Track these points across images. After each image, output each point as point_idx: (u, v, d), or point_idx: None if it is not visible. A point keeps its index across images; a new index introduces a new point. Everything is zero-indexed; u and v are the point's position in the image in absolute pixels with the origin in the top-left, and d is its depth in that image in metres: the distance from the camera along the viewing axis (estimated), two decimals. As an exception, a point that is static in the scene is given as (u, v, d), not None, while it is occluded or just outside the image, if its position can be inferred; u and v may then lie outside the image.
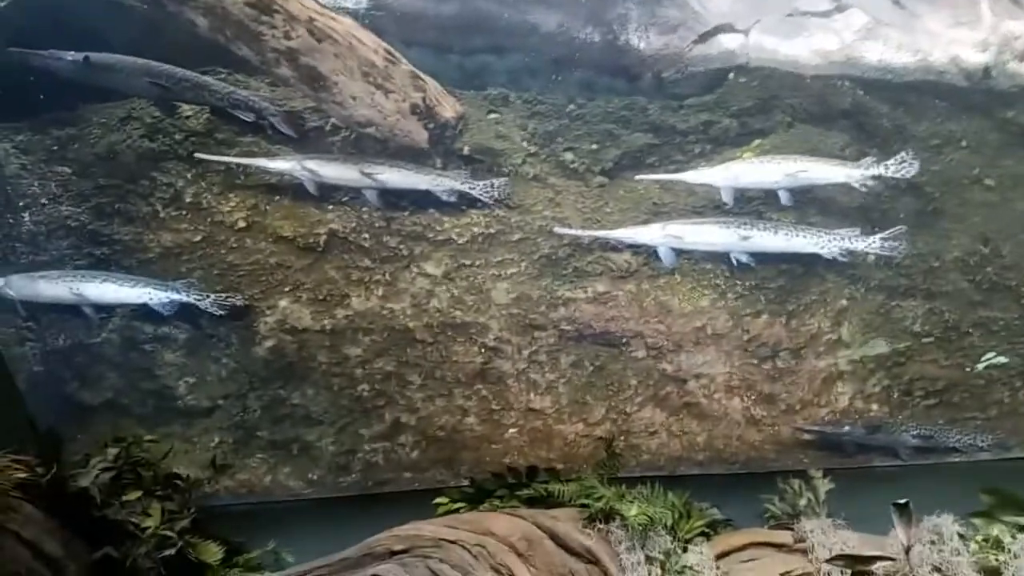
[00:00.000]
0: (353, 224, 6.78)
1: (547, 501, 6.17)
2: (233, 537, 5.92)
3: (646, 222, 6.82)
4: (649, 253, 6.84)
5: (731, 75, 7.44)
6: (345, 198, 6.78)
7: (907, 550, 4.82)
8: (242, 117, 6.51)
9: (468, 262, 6.83)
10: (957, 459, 7.10)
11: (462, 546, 5.46)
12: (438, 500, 6.22)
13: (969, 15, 8.08)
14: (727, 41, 7.70)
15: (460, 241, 6.82)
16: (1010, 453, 7.25)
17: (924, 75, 7.59)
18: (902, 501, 4.92)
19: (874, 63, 7.62)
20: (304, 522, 6.66)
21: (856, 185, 6.64)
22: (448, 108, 6.69)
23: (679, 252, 6.74)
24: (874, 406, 7.21)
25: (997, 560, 4.98)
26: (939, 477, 7.03)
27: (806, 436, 7.12)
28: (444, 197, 6.65)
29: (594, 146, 7.10)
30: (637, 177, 6.89)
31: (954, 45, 7.80)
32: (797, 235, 6.59)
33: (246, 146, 6.76)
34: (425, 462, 6.97)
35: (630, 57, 7.60)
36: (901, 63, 7.65)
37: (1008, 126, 7.41)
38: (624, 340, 6.99)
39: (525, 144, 7.08)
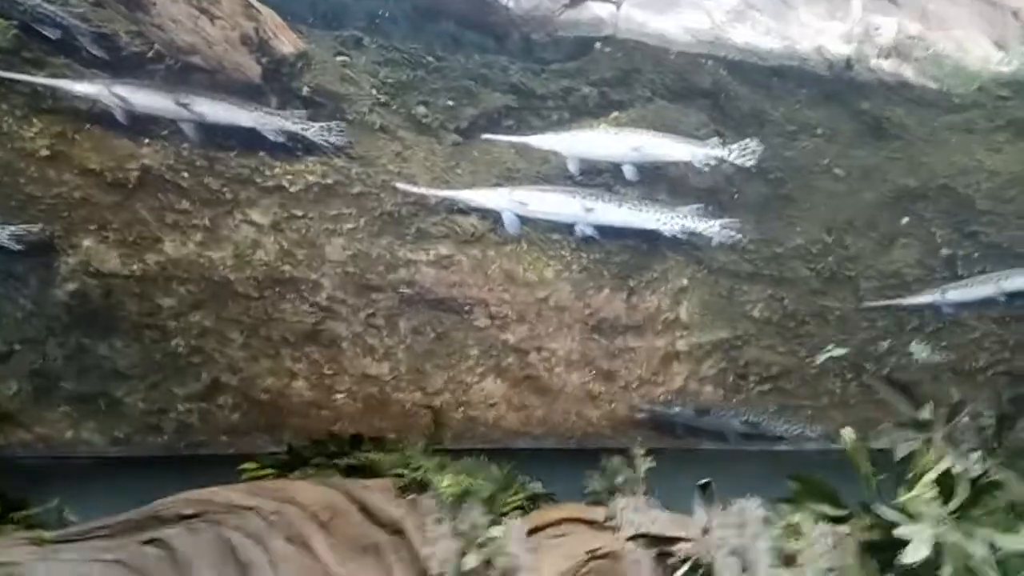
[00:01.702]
0: (171, 161, 6.06)
1: (368, 471, 5.80)
2: (19, 492, 5.28)
3: (496, 186, 6.44)
4: (496, 219, 6.45)
5: (598, 44, 7.12)
6: (164, 132, 6.05)
7: (704, 531, 4.70)
8: (47, 34, 5.70)
9: (300, 213, 6.24)
10: (784, 447, 7.14)
11: (258, 513, 5.01)
12: (245, 465, 5.73)
13: (842, 9, 8.06)
14: (598, 9, 7.36)
15: (292, 189, 6.22)
16: (836, 444, 7.35)
17: (788, 61, 7.48)
18: (704, 481, 4.80)
19: (740, 45, 7.45)
20: (105, 482, 6.03)
21: (698, 165, 6.48)
22: (287, 43, 6.07)
23: (524, 220, 6.41)
24: (708, 388, 7.15)
25: (795, 546, 4.92)
26: (766, 463, 7.05)
27: (640, 415, 7.01)
28: (272, 137, 6.02)
29: (450, 102, 6.63)
30: (484, 136, 6.48)
31: (821, 36, 7.76)
32: (640, 210, 6.37)
33: (57, 68, 5.92)
34: (245, 426, 6.42)
35: (499, 14, 7.15)
36: (767, 47, 7.52)
37: (863, 117, 7.38)
38: (467, 308, 6.61)
39: (375, 92, 6.53)
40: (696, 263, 6.98)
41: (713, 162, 6.47)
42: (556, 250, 6.60)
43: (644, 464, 5.95)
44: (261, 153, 6.17)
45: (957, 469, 4.34)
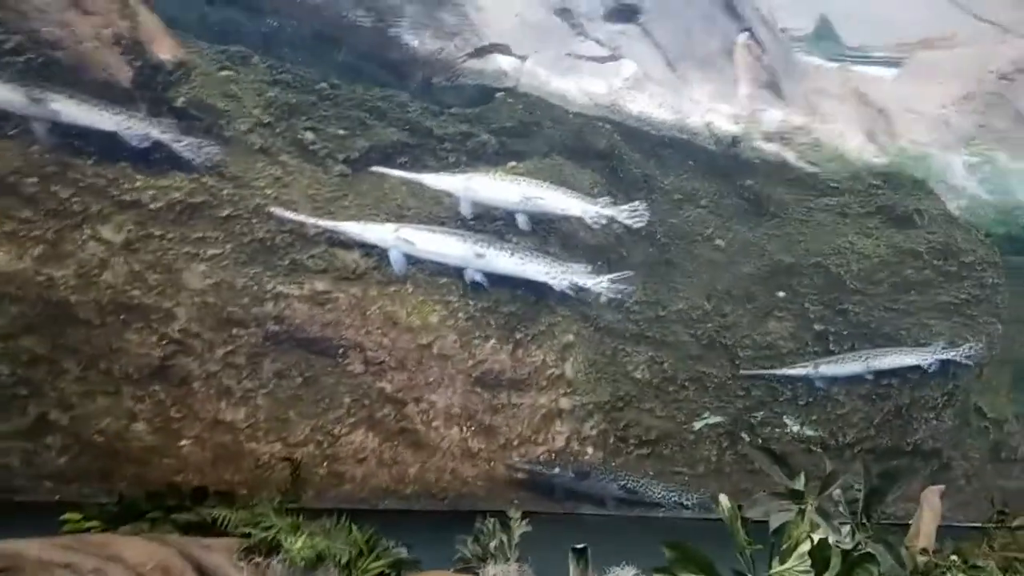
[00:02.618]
0: (17, 163, 5.27)
1: (211, 529, 5.03)
2: None
3: (383, 222, 6.03)
4: (381, 256, 6.00)
5: (500, 95, 7.01)
6: (12, 131, 5.30)
7: (580, 602, 4.31)
8: None
9: (158, 232, 5.54)
10: (662, 514, 6.92)
11: (74, 572, 4.21)
12: (67, 516, 4.85)
13: (731, 91, 8.38)
14: (502, 61, 7.29)
15: (152, 206, 5.53)
16: (714, 512, 7.20)
17: (679, 133, 7.64)
18: (580, 546, 4.45)
19: (635, 113, 7.56)
20: None
21: (589, 221, 6.38)
22: (165, 49, 5.50)
23: (412, 260, 6.02)
24: (589, 449, 6.87)
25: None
26: (645, 530, 6.78)
27: (519, 475, 6.60)
28: (136, 143, 5.35)
29: (342, 131, 6.22)
30: (375, 168, 6.09)
31: (711, 113, 8.01)
32: (531, 261, 6.14)
33: None
34: (74, 471, 5.48)
35: (401, 53, 6.90)
36: (660, 118, 7.67)
37: (745, 193, 7.59)
38: (341, 350, 6.05)
39: (258, 112, 6.03)
40: (583, 320, 6.77)
41: (604, 220, 6.38)
42: (443, 295, 6.20)
43: (519, 528, 5.54)
44: (122, 163, 5.48)
45: (832, 542, 4.21)
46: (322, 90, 6.24)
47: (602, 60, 7.83)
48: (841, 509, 4.62)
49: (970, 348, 7.42)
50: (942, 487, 5.12)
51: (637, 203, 6.53)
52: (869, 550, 4.25)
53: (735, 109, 8.00)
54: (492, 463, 6.61)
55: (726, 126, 7.84)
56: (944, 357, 7.34)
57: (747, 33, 8.54)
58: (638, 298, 7.05)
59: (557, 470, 6.48)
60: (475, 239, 5.97)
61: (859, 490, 4.76)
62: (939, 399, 7.65)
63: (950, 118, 9.62)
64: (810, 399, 7.30)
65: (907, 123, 9.27)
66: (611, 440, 6.97)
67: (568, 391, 6.75)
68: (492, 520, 5.47)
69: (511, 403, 6.55)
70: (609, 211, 6.39)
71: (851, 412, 7.41)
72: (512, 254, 6.07)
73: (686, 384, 7.18)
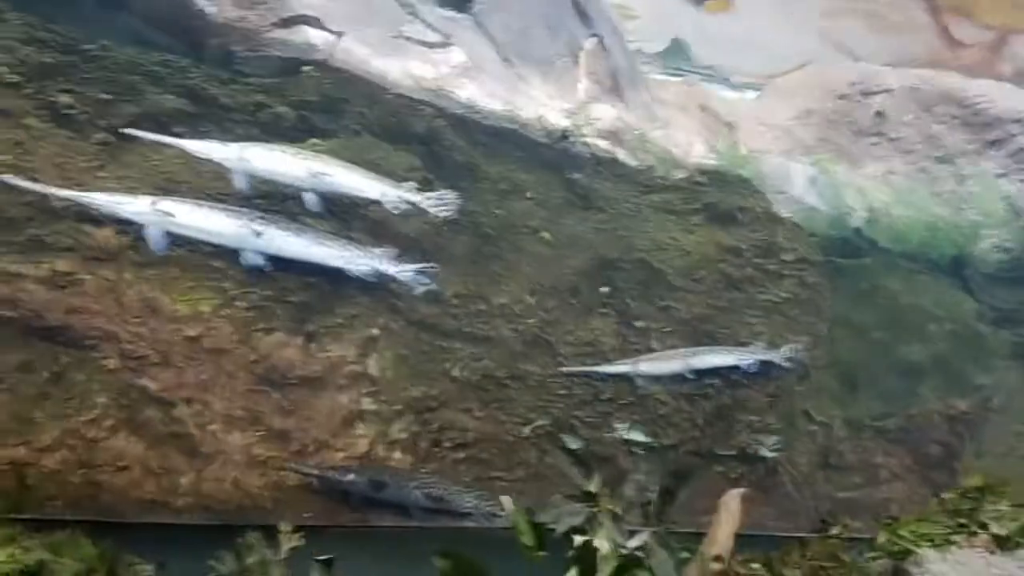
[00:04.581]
0: None
1: None
2: None
3: (139, 193, 5.20)
4: (141, 235, 5.22)
5: (307, 68, 6.34)
6: None
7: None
8: None
9: None
10: (472, 524, 6.35)
11: None
12: None
13: (571, 93, 8.04)
14: (312, 34, 6.62)
15: None
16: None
17: (508, 124, 7.19)
18: (323, 558, 3.82)
19: (463, 100, 7.07)
20: None
21: (389, 206, 5.75)
22: None
23: (178, 240, 5.25)
24: (397, 454, 6.23)
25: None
26: (454, 542, 6.17)
27: (313, 485, 5.90)
28: None
29: (106, 95, 5.37)
30: (124, 130, 5.28)
31: (545, 108, 7.63)
32: (322, 244, 5.44)
33: None
34: None
35: (195, 19, 6.14)
36: (489, 108, 7.21)
37: (574, 187, 7.17)
38: (91, 342, 5.20)
39: (6, 70, 5.16)
40: (392, 312, 6.14)
41: (405, 206, 5.78)
42: (216, 280, 5.38)
43: (289, 543, 4.85)
44: None
45: (604, 547, 3.76)
46: (87, 51, 5.40)
47: (431, 45, 7.32)
48: (635, 510, 4.18)
49: (791, 349, 7.27)
50: (742, 491, 4.70)
51: (445, 191, 5.97)
52: (638, 554, 3.82)
53: (571, 105, 7.66)
54: (283, 472, 5.88)
55: (559, 120, 7.46)
56: (764, 358, 7.14)
57: (596, 39, 8.29)
58: (458, 291, 6.50)
59: (351, 476, 5.81)
60: (252, 216, 5.23)
61: (653, 491, 4.33)
62: (762, 400, 7.47)
63: (794, 131, 9.72)
64: (631, 398, 6.93)
65: (754, 135, 9.26)
66: (423, 444, 6.36)
67: (372, 390, 6.08)
68: (254, 533, 4.77)
69: (305, 403, 5.85)
70: (413, 196, 5.79)
71: (673, 412, 7.08)
72: (298, 235, 5.34)
73: (507, 382, 6.66)
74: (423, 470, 6.28)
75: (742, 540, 4.44)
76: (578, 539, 3.71)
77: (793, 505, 7.79)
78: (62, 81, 5.29)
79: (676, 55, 10.74)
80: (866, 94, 9.47)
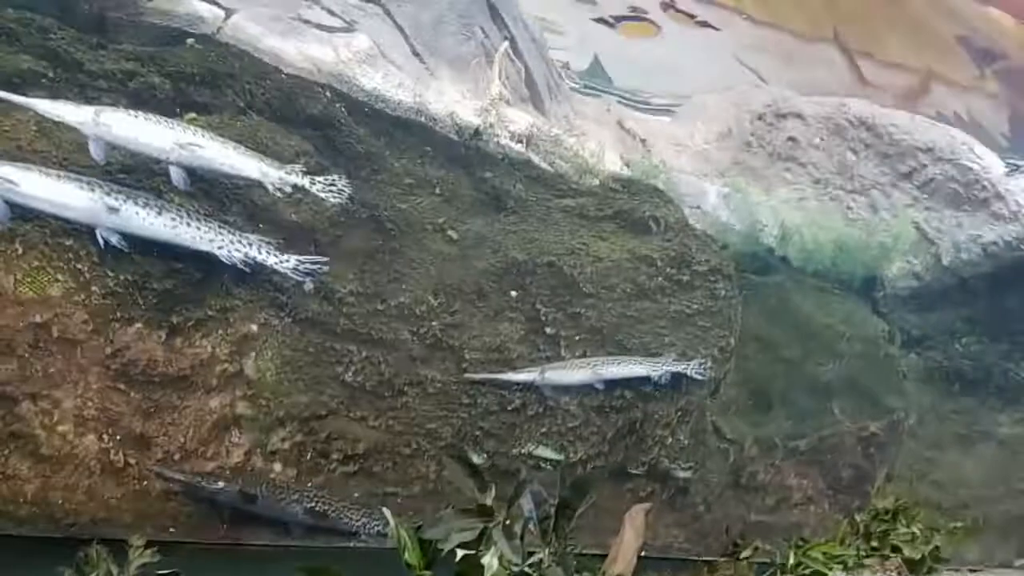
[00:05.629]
0: None
1: None
2: None
3: (-1, 166, 4.55)
4: (-19, 208, 4.58)
5: (190, 40, 5.87)
6: None
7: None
8: None
9: None
10: (361, 544, 5.81)
11: None
12: None
13: (483, 93, 7.79)
14: (199, 7, 6.16)
15: None
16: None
17: (416, 116, 6.83)
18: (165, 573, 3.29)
19: (367, 88, 6.70)
20: None
21: (270, 188, 5.24)
22: None
23: (24, 213, 4.62)
24: (277, 466, 5.66)
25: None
26: (341, 563, 5.61)
27: (179, 497, 5.28)
28: None
29: (-51, 54, 4.81)
30: None
31: (456, 104, 7.34)
32: (188, 224, 4.87)
33: None
34: None
35: (67, -22, 5.62)
36: (397, 99, 6.86)
37: (484, 186, 6.87)
38: (-85, 325, 4.53)
39: None
40: (274, 308, 5.62)
41: (289, 188, 5.29)
42: (68, 261, 4.77)
43: (139, 558, 4.25)
44: None
45: (493, 565, 3.36)
46: (-69, 2, 4.80)
47: (332, 30, 6.95)
48: (531, 527, 3.77)
49: (701, 362, 7.09)
50: (648, 505, 4.35)
51: (334, 177, 5.53)
52: (528, 571, 3.42)
53: (484, 104, 7.40)
54: (145, 481, 5.24)
55: (471, 118, 7.17)
56: (675, 369, 6.89)
57: (507, 43, 8.12)
58: (353, 288, 6.06)
59: (220, 485, 5.21)
60: (108, 189, 4.66)
61: (551, 505, 3.94)
62: (673, 415, 7.23)
63: (710, 153, 9.78)
64: (540, 409, 6.57)
65: (670, 154, 9.25)
66: (308, 455, 5.82)
67: (249, 393, 5.53)
68: (98, 547, 4.14)
69: (170, 406, 5.25)
70: (297, 179, 5.31)
71: (583, 425, 6.76)
72: (161, 212, 4.77)
73: (405, 389, 6.20)
74: (308, 484, 5.75)
75: (649, 563, 4.12)
76: (461, 553, 3.30)
77: (703, 526, 7.57)
78: None
79: (596, 74, 10.74)
80: (780, 116, 9.65)
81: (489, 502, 3.83)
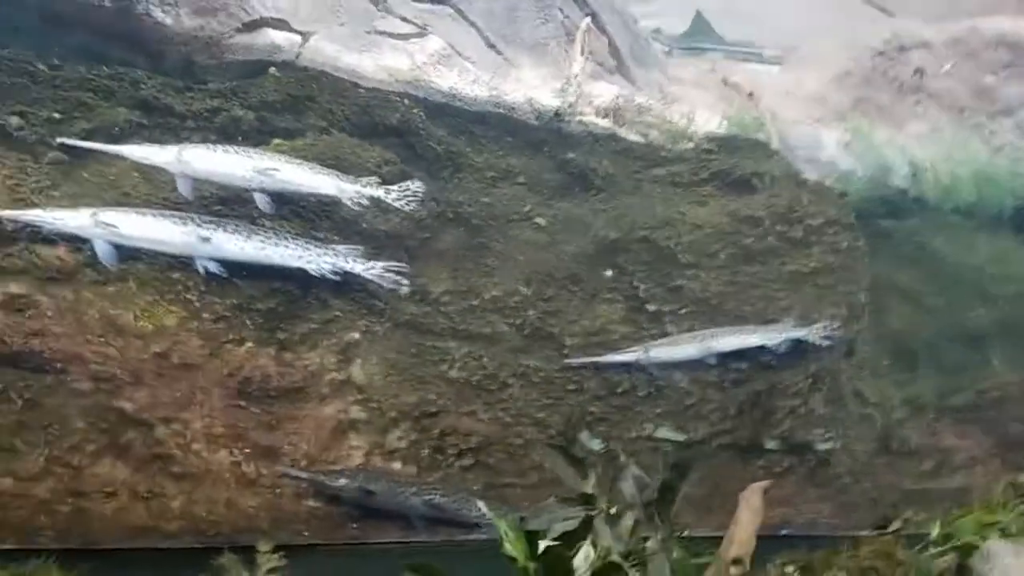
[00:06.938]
0: None
1: None
2: None
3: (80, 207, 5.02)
4: (94, 251, 5.06)
5: (272, 69, 6.16)
6: None
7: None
8: None
9: None
10: (483, 536, 5.88)
11: None
12: None
13: (564, 74, 7.65)
14: (275, 36, 6.43)
15: None
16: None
17: (494, 108, 6.81)
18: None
19: (444, 89, 6.74)
20: None
21: (347, 202, 5.43)
22: None
23: (128, 252, 5.04)
24: (397, 464, 5.85)
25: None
26: (459, 557, 5.71)
27: (311, 503, 5.60)
28: None
29: (57, 115, 5.27)
30: (59, 140, 5.13)
31: (535, 90, 7.24)
32: (276, 244, 5.15)
33: None
34: None
35: (152, 32, 6.01)
36: (473, 94, 6.87)
37: (568, 167, 6.71)
38: (59, 365, 5.03)
39: (-47, 97, 5.14)
40: (372, 314, 5.81)
41: (366, 201, 5.46)
42: (178, 292, 5.18)
43: (268, 562, 4.54)
44: None
45: (591, 553, 3.28)
46: (37, 72, 5.33)
47: (406, 37, 7.05)
48: (634, 510, 3.66)
49: (825, 324, 6.58)
50: (766, 484, 4.10)
51: (408, 183, 5.63)
52: (615, 559, 3.32)
53: (562, 84, 7.24)
54: (278, 490, 5.60)
55: (550, 101, 7.04)
56: (794, 335, 6.46)
57: (589, 18, 7.90)
58: (447, 288, 6.15)
59: (343, 481, 5.46)
60: (197, 220, 5.01)
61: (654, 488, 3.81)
62: (803, 383, 6.78)
63: (828, 97, 9.08)
64: (651, 389, 6.38)
65: (780, 105, 8.67)
66: (424, 452, 5.99)
67: (360, 398, 5.76)
68: (230, 555, 4.48)
69: (289, 416, 5.57)
70: (373, 191, 5.46)
71: (700, 403, 6.50)
72: (249, 236, 5.08)
73: (509, 381, 6.22)
74: (428, 480, 5.91)
75: (789, 541, 3.86)
76: (543, 544, 3.24)
77: (851, 498, 7.05)
78: (11, 104, 5.21)
79: (699, 32, 10.24)
80: (902, 49, 8.80)
81: (590, 489, 3.73)
